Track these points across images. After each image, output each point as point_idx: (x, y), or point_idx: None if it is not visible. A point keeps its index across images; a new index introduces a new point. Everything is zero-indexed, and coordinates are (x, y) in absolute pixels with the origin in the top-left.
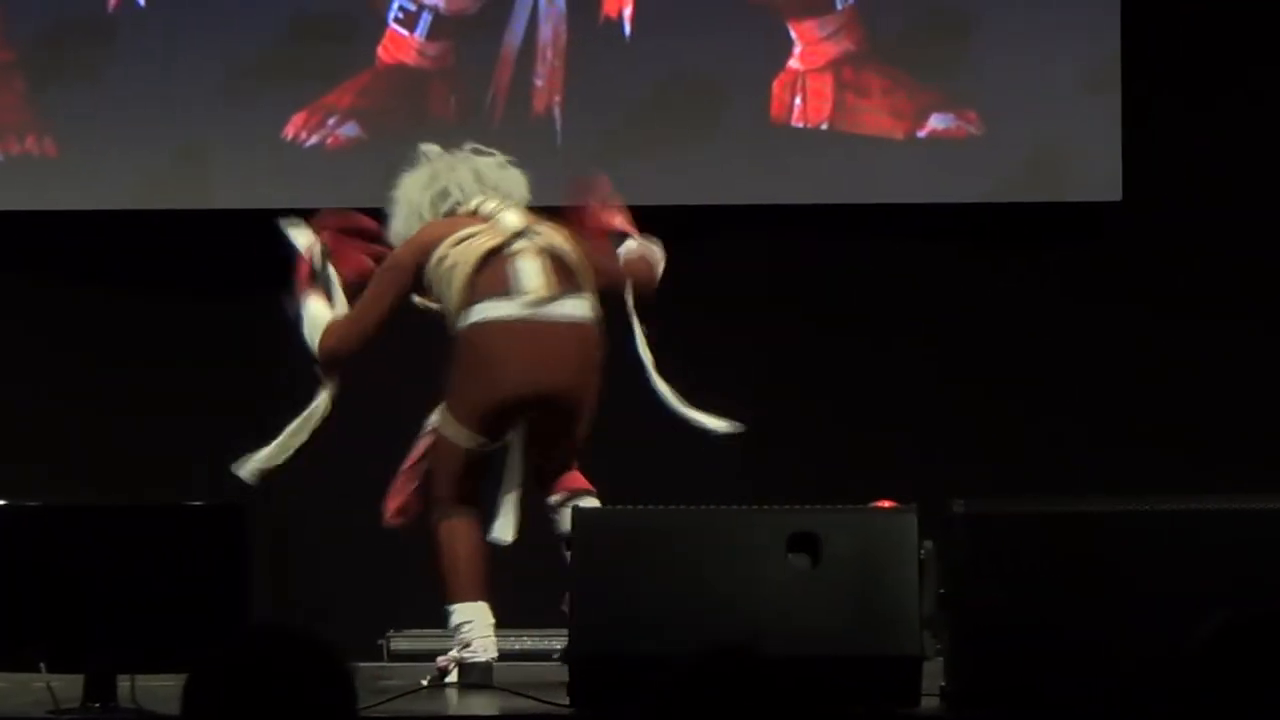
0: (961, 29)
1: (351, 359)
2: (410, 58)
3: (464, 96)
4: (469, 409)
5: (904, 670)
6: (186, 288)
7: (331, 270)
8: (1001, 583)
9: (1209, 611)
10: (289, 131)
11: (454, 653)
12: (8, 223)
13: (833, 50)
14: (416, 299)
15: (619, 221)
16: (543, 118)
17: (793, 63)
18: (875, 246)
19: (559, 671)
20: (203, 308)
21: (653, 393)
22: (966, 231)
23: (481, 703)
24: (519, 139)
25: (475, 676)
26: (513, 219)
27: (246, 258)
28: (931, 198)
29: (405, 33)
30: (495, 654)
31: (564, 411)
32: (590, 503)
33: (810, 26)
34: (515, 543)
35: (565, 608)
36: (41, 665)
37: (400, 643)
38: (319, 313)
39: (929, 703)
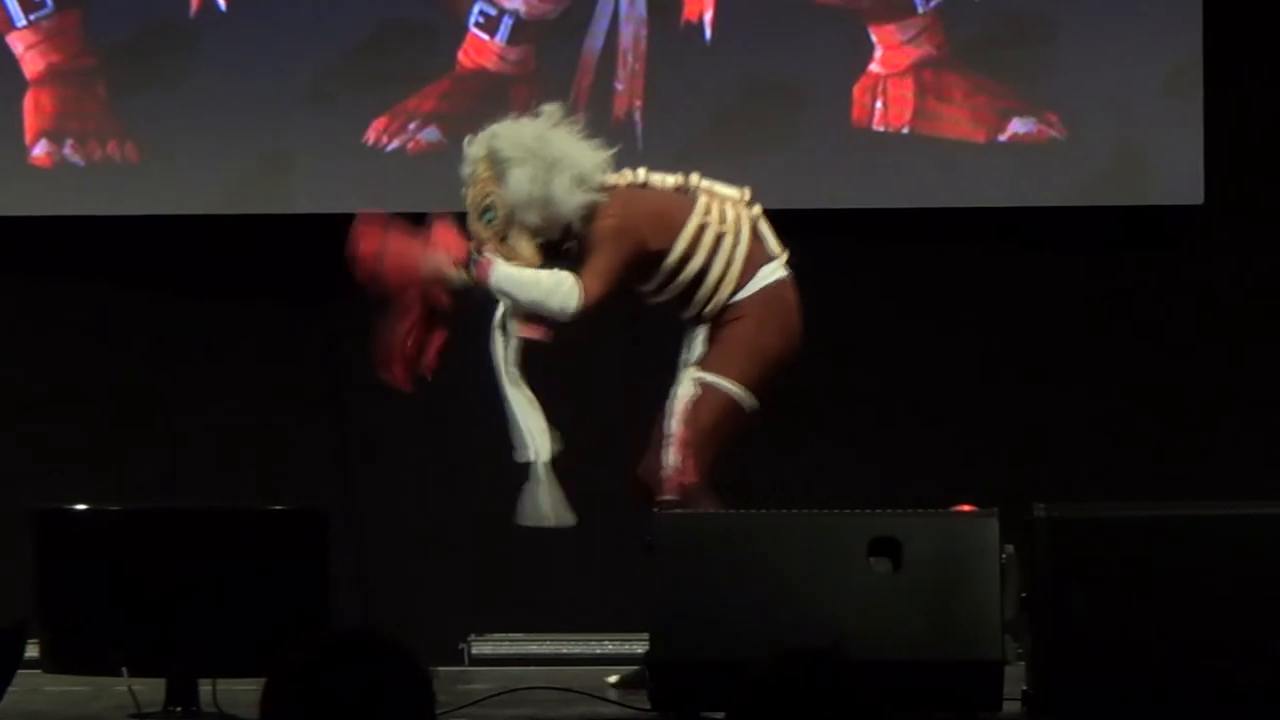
0: (1042, 32)
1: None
2: (491, 62)
3: (545, 101)
4: (759, 370)
5: (985, 675)
6: (267, 293)
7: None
8: (1083, 587)
9: None
10: (370, 136)
11: None
12: (90, 228)
13: (914, 54)
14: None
15: None
16: (623, 122)
17: (874, 66)
18: (956, 250)
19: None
20: (284, 313)
21: None
22: (1047, 235)
23: (562, 707)
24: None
25: None
26: (730, 190)
27: (328, 263)
28: (1012, 201)
29: (486, 37)
30: None
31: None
32: None
33: (891, 30)
34: (595, 548)
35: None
36: (124, 669)
37: (481, 647)
38: (533, 273)
39: (1010, 708)
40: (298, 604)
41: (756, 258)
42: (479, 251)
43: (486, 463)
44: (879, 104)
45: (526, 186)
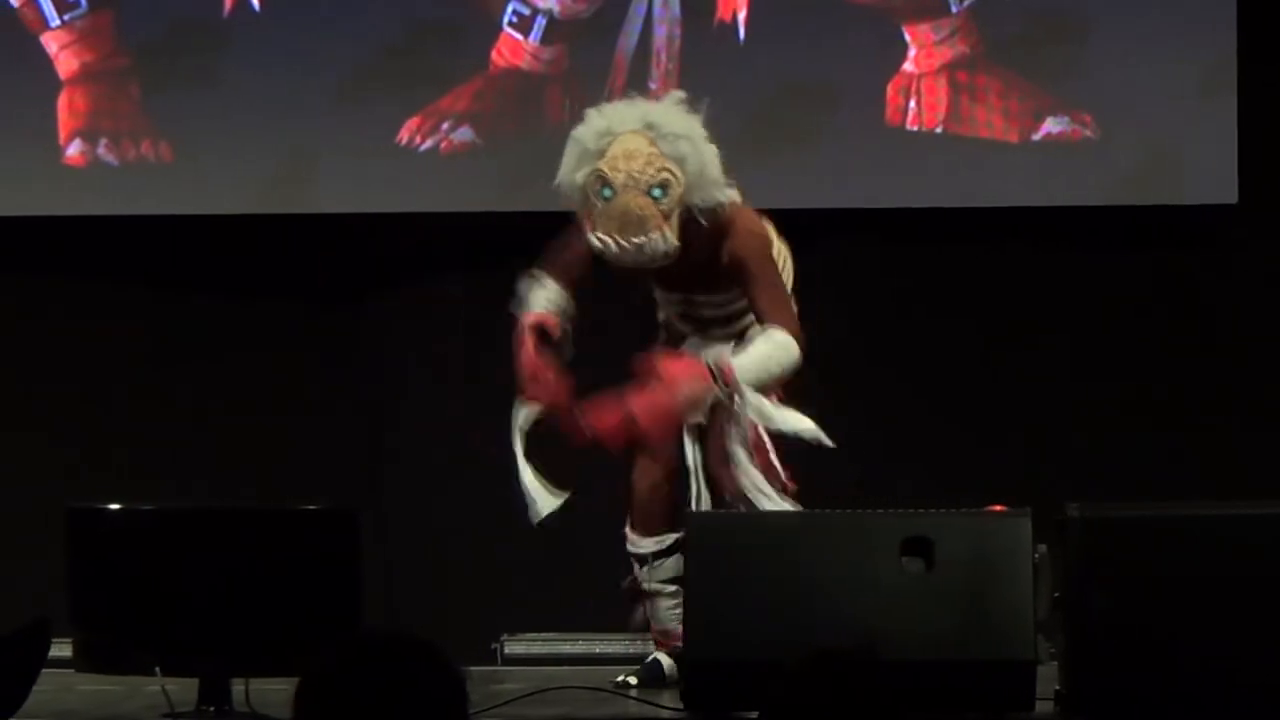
0: (1076, 32)
1: None
2: (524, 62)
3: (578, 100)
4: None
5: (1018, 675)
6: (298, 293)
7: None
8: (1116, 587)
9: None
10: (403, 136)
11: None
12: (124, 227)
13: (947, 53)
14: None
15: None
16: None
17: (907, 66)
18: (989, 249)
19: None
20: (315, 313)
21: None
22: (1081, 234)
23: (594, 706)
24: None
25: None
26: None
27: (358, 263)
28: (1046, 201)
29: (519, 37)
30: None
31: None
32: None
33: (924, 29)
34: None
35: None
36: (156, 669)
37: (514, 647)
38: (762, 353)
39: (1043, 707)
40: (330, 604)
41: None
42: (650, 231)
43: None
44: (912, 104)
45: (698, 165)
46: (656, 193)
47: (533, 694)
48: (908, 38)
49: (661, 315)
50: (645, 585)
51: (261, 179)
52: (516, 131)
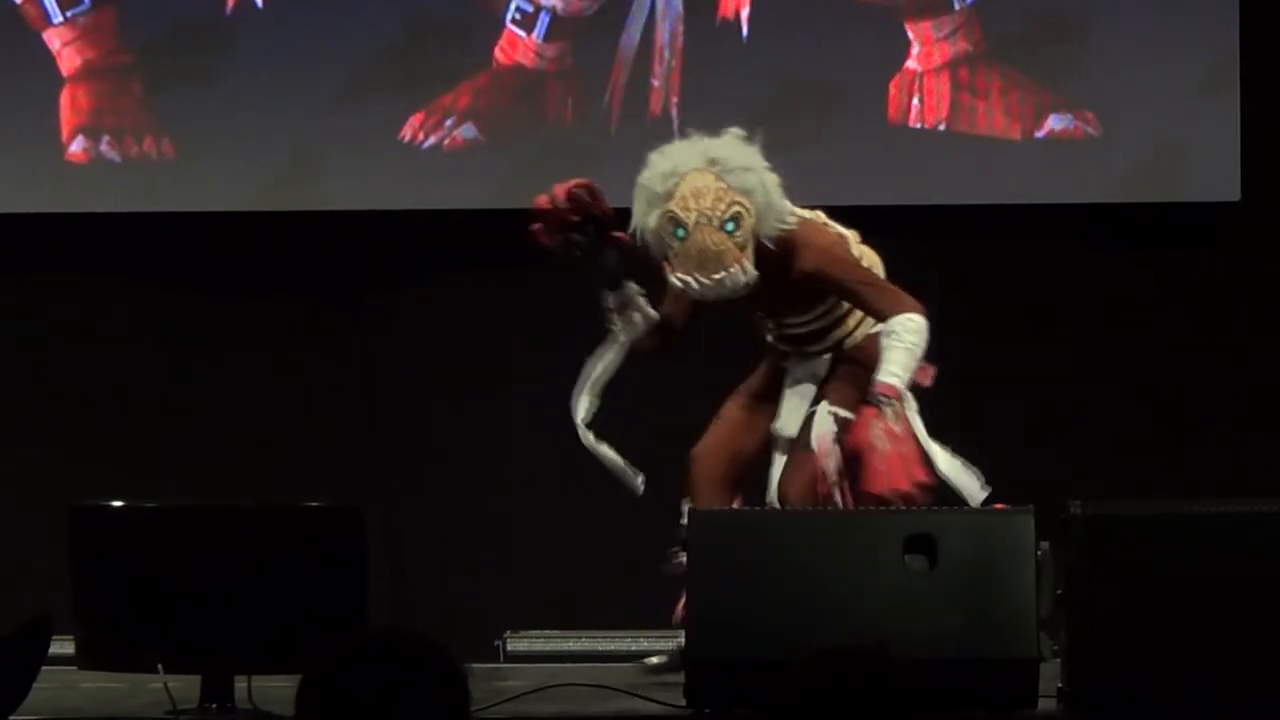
0: (1079, 29)
1: None
2: (528, 59)
3: (581, 97)
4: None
5: (1021, 672)
6: (302, 290)
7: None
8: (1119, 584)
9: None
10: (406, 133)
11: None
12: (126, 224)
13: (950, 51)
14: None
15: None
16: (659, 119)
17: (910, 63)
18: (992, 247)
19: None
20: (319, 310)
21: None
22: (1084, 232)
23: (597, 704)
24: (636, 140)
25: None
26: (841, 228)
27: (362, 260)
28: (1049, 198)
29: (523, 34)
30: None
31: None
32: None
33: (927, 27)
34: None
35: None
36: (159, 666)
37: (516, 644)
38: (904, 346)
39: (1046, 704)
40: (334, 601)
41: None
42: (728, 265)
43: (521, 459)
44: (915, 101)
45: (764, 195)
46: (730, 227)
47: (535, 691)
48: (910, 35)
49: (762, 335)
50: None
51: (265, 176)
52: (519, 128)
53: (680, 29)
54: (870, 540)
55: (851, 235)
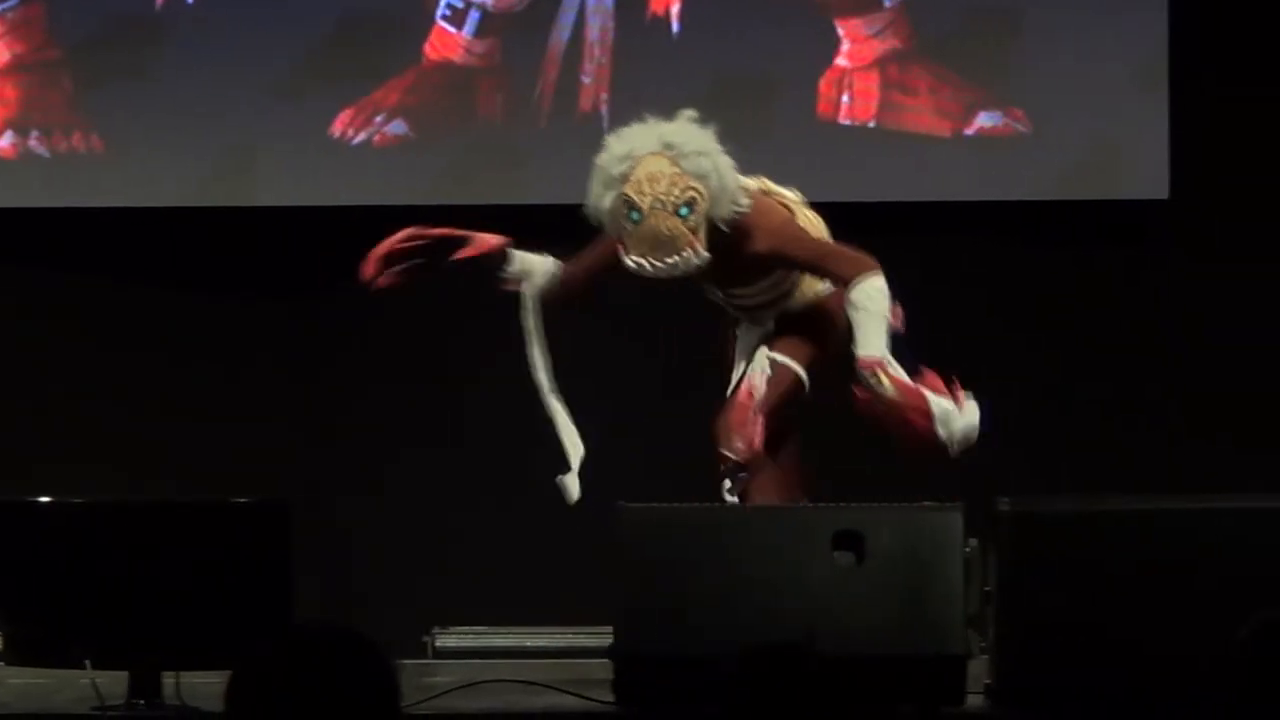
0: (1009, 27)
1: None
2: (458, 55)
3: (511, 94)
4: (821, 360)
5: (948, 668)
6: (233, 287)
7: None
8: (1047, 581)
9: (1256, 610)
10: (336, 129)
11: None
12: (55, 220)
13: (880, 48)
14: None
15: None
16: (590, 115)
17: (840, 60)
18: (922, 244)
19: (604, 668)
20: (250, 307)
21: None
22: (1013, 229)
23: (526, 700)
24: (566, 137)
25: None
26: (787, 191)
27: (294, 256)
28: (978, 195)
29: (453, 30)
30: None
31: None
32: None
33: (857, 24)
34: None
35: None
36: (86, 662)
37: (445, 640)
38: (872, 314)
39: (974, 701)
40: (261, 597)
41: None
42: (681, 250)
43: (450, 454)
44: (845, 97)
45: (718, 179)
46: (684, 212)
47: (464, 687)
48: (840, 31)
49: (715, 301)
50: None
51: (195, 172)
52: (449, 125)
53: (610, 25)
54: (799, 536)
55: (794, 197)
